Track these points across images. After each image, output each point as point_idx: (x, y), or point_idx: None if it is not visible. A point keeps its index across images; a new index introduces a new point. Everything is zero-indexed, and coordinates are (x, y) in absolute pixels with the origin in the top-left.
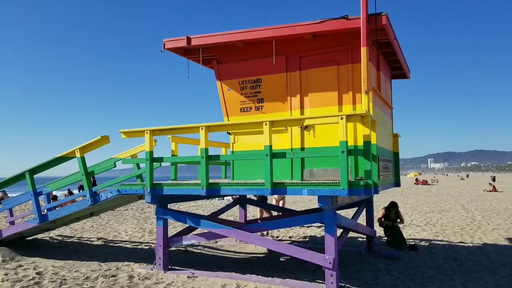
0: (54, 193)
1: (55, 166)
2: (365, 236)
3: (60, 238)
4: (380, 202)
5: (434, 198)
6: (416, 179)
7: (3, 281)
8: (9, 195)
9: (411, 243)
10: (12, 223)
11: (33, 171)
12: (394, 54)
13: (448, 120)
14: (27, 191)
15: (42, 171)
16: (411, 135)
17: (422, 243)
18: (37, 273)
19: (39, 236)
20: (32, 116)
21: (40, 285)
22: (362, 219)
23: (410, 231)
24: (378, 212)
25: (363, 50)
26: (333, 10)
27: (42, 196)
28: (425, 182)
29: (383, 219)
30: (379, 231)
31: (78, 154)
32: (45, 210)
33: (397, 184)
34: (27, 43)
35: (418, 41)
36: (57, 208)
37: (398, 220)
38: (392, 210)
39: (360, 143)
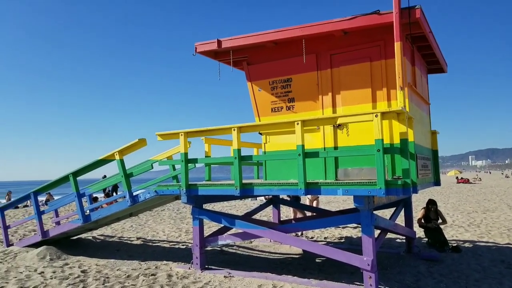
0: (94, 194)
1: (96, 168)
2: (404, 237)
3: (102, 237)
4: (419, 202)
5: (477, 197)
6: (457, 178)
7: (51, 278)
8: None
9: (453, 245)
10: (58, 223)
11: (76, 173)
12: (429, 48)
13: (490, 114)
14: (66, 193)
15: (84, 173)
16: (450, 132)
17: (466, 244)
18: (82, 271)
19: (83, 235)
20: (71, 118)
21: (85, 282)
22: (400, 220)
23: (452, 232)
24: (418, 213)
25: (397, 45)
26: (359, 7)
27: (85, 197)
28: (466, 181)
29: (423, 220)
30: (419, 232)
31: (117, 157)
32: (88, 211)
33: (436, 183)
34: (57, 49)
35: (455, 31)
36: (98, 209)
37: (440, 221)
38: (431, 208)
39: (397, 141)
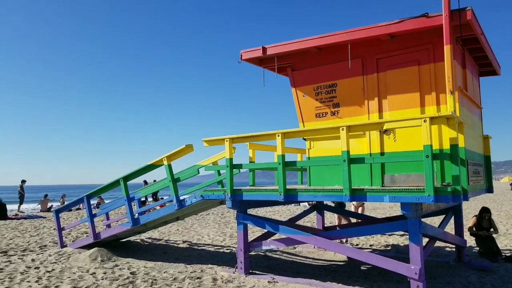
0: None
1: (145, 173)
2: (453, 246)
3: (149, 240)
4: (469, 209)
5: None
6: (511, 184)
7: (102, 279)
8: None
9: (507, 254)
10: (108, 226)
11: (127, 178)
12: (481, 50)
13: None
14: (113, 196)
15: (135, 178)
16: (505, 136)
17: None
18: (131, 273)
19: (132, 238)
20: (120, 124)
21: (134, 284)
22: (450, 228)
23: (505, 241)
24: (468, 221)
25: (447, 48)
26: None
27: (134, 201)
28: None
29: (474, 228)
30: (470, 241)
31: (165, 162)
32: (137, 214)
33: (489, 190)
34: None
35: (507, 29)
36: (147, 213)
37: (492, 229)
38: (484, 216)
39: (446, 146)
